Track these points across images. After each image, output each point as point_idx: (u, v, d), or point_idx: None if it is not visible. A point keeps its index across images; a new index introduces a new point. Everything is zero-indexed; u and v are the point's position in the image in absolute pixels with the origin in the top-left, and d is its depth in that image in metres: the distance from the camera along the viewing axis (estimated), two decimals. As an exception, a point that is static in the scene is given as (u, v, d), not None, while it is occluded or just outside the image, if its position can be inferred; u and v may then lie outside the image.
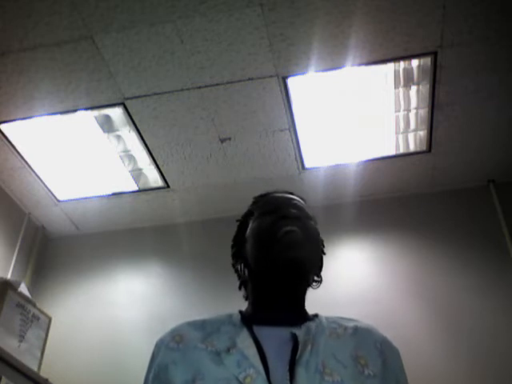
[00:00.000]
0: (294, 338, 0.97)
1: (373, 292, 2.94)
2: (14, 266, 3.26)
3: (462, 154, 3.07)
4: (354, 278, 3.03)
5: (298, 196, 1.22)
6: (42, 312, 2.71)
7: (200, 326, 1.08)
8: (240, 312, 1.12)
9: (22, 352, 2.48)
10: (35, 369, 2.53)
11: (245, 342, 0.99)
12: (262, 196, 1.24)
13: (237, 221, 1.25)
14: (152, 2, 2.35)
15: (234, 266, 1.20)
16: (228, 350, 0.98)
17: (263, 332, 1.02)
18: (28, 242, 3.46)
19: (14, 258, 3.29)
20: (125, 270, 3.41)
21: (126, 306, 3.22)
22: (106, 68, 2.63)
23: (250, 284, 1.14)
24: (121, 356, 2.98)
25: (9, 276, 3.15)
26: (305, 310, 1.12)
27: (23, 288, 2.67)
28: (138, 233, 3.54)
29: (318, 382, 0.91)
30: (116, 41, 2.50)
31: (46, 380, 2.55)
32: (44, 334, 2.67)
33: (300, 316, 1.08)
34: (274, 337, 1.00)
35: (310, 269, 1.10)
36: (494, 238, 2.99)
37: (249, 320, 1.06)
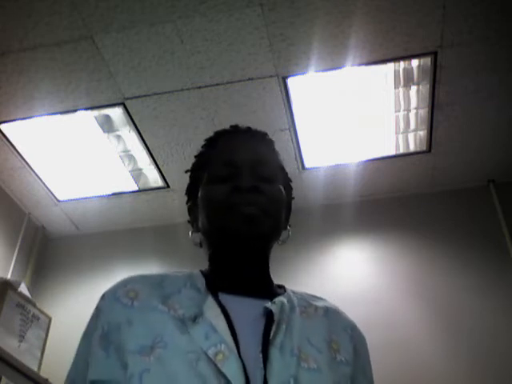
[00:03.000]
0: (269, 314, 0.87)
1: (373, 292, 2.94)
2: (14, 266, 3.26)
3: (462, 154, 3.07)
4: (354, 278, 3.03)
5: (256, 136, 1.07)
6: (42, 312, 2.71)
7: (158, 283, 0.93)
8: (201, 273, 0.98)
9: (22, 352, 2.48)
10: (35, 369, 2.53)
11: (212, 311, 0.86)
12: (215, 138, 1.08)
13: (186, 171, 1.10)
14: (152, 2, 2.34)
15: (189, 222, 1.07)
16: (194, 319, 0.85)
17: (231, 302, 0.90)
18: (28, 242, 3.46)
19: (14, 258, 3.29)
20: (125, 270, 3.41)
21: (126, 306, 3.22)
22: (106, 68, 2.63)
23: (207, 247, 1.02)
24: (121, 356, 2.98)
25: (9, 276, 3.14)
26: (270, 277, 1.00)
27: (23, 288, 2.67)
28: (137, 233, 3.54)
29: (295, 367, 0.82)
30: (116, 41, 2.50)
31: (46, 380, 2.55)
32: (44, 334, 2.67)
33: (267, 286, 0.98)
34: (244, 309, 0.89)
35: (271, 238, 0.99)
36: (494, 238, 2.99)
37: (213, 285, 0.93)
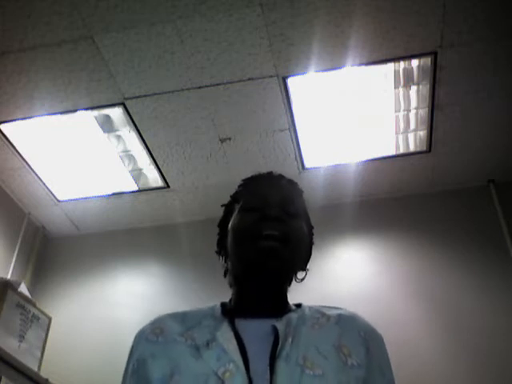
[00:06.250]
0: (275, 330, 0.96)
1: (373, 292, 2.94)
2: (14, 266, 3.26)
3: (462, 154, 3.07)
4: (354, 278, 3.03)
5: (288, 181, 1.17)
6: (42, 312, 2.71)
7: (181, 318, 1.07)
8: (222, 304, 1.10)
9: (22, 352, 2.48)
10: (35, 369, 2.53)
11: (225, 335, 0.97)
12: (250, 180, 1.20)
13: (222, 205, 1.22)
14: (152, 2, 2.35)
15: (217, 253, 1.17)
16: (207, 344, 0.96)
17: (244, 325, 1.00)
18: (28, 242, 3.46)
19: (14, 258, 3.29)
20: (125, 270, 3.41)
21: (126, 306, 3.22)
22: (105, 68, 2.63)
23: (231, 276, 1.11)
24: (121, 356, 2.96)
25: (9, 276, 3.15)
26: (287, 300, 1.10)
27: (23, 288, 2.67)
28: (137, 233, 3.54)
29: (299, 375, 0.90)
30: (116, 41, 2.50)
31: (46, 380, 2.55)
32: (44, 334, 2.67)
33: (281, 306, 1.06)
34: (255, 330, 0.99)
35: (287, 272, 1.08)
36: (494, 238, 2.99)
37: (230, 312, 1.04)
